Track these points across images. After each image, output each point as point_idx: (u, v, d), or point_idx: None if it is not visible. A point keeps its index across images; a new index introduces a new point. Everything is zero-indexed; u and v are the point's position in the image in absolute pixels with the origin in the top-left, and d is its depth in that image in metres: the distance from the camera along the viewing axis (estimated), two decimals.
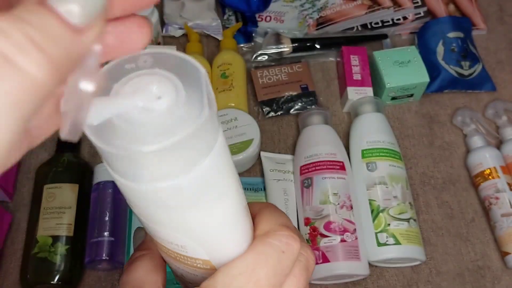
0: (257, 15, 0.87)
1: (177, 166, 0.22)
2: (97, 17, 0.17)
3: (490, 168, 0.71)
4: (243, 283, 0.25)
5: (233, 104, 0.75)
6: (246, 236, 0.28)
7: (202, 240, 0.26)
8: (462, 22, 0.85)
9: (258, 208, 0.29)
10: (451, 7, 0.90)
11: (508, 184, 0.70)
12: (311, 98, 0.79)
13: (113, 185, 0.66)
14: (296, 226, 0.68)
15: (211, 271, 0.27)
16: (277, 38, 0.83)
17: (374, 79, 0.79)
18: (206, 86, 0.21)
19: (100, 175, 0.68)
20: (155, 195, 0.22)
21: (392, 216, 0.65)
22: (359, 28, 0.87)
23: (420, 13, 0.88)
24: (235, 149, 0.71)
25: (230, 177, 0.25)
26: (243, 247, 0.27)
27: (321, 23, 0.86)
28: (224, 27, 0.86)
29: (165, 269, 0.31)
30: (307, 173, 0.68)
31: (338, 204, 0.65)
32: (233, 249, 0.27)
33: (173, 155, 0.21)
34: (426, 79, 0.77)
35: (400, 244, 0.64)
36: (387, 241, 0.64)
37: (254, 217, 0.29)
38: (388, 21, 0.88)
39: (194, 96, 0.21)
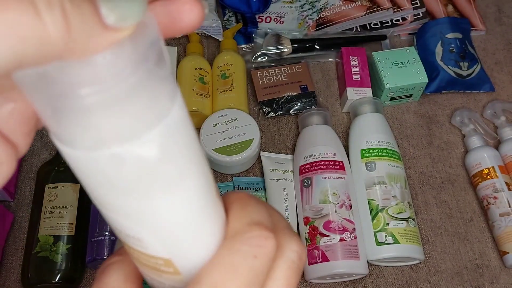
0: (257, 16, 0.88)
1: (120, 130, 0.18)
2: (131, 24, 0.17)
3: (488, 168, 0.72)
4: None
5: (233, 105, 0.76)
6: (216, 233, 0.24)
7: (159, 232, 0.22)
8: (461, 23, 0.86)
9: (230, 201, 0.25)
10: (450, 8, 0.90)
11: (506, 183, 0.70)
12: (310, 99, 0.79)
13: None
14: (296, 226, 0.68)
15: (176, 277, 0.24)
16: (277, 39, 0.83)
17: (373, 80, 0.80)
18: (155, 34, 0.19)
19: None
20: (96, 166, 0.19)
21: (391, 216, 0.66)
22: (359, 29, 0.88)
23: (419, 14, 0.88)
24: (235, 149, 0.71)
25: (193, 156, 0.21)
26: (212, 247, 0.24)
27: (321, 24, 0.87)
28: (224, 28, 0.87)
29: (141, 279, 0.27)
30: (307, 173, 0.69)
31: (338, 203, 0.66)
32: (199, 248, 0.23)
33: (115, 112, 0.18)
34: (425, 79, 0.78)
35: (399, 243, 0.65)
36: (386, 240, 0.65)
37: (226, 211, 0.25)
38: (387, 22, 0.88)
39: (142, 47, 0.18)
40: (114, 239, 0.64)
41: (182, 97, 0.20)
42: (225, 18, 0.88)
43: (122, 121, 0.18)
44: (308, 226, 0.66)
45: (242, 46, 0.86)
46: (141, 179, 0.20)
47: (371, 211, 0.67)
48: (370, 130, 0.72)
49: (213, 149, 0.71)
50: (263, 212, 0.25)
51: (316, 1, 0.88)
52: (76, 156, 0.19)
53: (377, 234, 0.65)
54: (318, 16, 0.87)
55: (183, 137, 0.21)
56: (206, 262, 0.23)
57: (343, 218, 0.65)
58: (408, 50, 0.80)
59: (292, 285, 0.24)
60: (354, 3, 0.88)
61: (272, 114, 0.79)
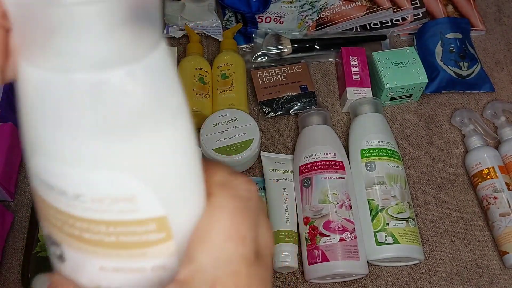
0: (257, 16, 0.88)
1: (106, 54, 0.17)
2: None
3: (488, 168, 0.72)
4: (233, 249, 0.22)
5: (233, 105, 0.76)
6: (202, 185, 0.23)
7: (156, 180, 0.20)
8: (461, 23, 0.86)
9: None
10: (450, 8, 0.90)
11: (506, 184, 0.70)
12: (310, 99, 0.79)
13: None
14: (296, 226, 0.68)
15: (166, 245, 0.21)
16: (277, 39, 0.83)
17: (373, 80, 0.80)
18: None
19: None
20: (87, 96, 0.17)
21: (391, 216, 0.66)
22: (358, 29, 0.88)
23: (418, 14, 0.88)
24: (235, 149, 0.71)
25: (180, 99, 0.21)
26: (202, 199, 0.23)
27: (321, 24, 0.87)
28: (224, 28, 0.87)
29: None
30: (307, 173, 0.69)
31: (337, 203, 0.66)
32: (193, 200, 0.22)
33: (99, 32, 0.17)
34: (425, 79, 0.78)
35: (398, 243, 0.65)
36: (386, 240, 0.65)
37: None
38: (387, 22, 0.88)
39: None
40: None
41: (167, 46, 0.20)
42: (225, 18, 0.88)
43: (107, 44, 0.17)
44: (308, 226, 0.66)
45: (242, 46, 0.86)
46: (134, 114, 0.18)
47: (371, 211, 0.67)
48: (370, 130, 0.72)
49: (213, 149, 0.71)
50: (226, 165, 0.26)
51: (316, 1, 0.89)
52: (48, 82, 0.17)
53: (377, 234, 0.65)
54: (318, 16, 0.87)
55: (169, 77, 0.20)
56: (200, 215, 0.23)
57: (343, 218, 0.65)
58: (408, 50, 0.80)
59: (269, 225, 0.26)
60: (354, 3, 0.88)
61: (272, 114, 0.79)
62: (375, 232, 0.65)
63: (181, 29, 0.85)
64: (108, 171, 0.19)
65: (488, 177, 0.71)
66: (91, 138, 0.18)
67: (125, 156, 0.19)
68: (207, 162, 0.25)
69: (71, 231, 0.20)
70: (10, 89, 0.70)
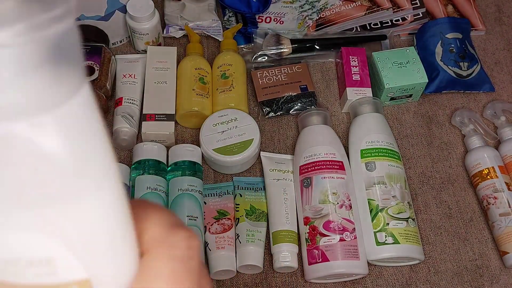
0: (257, 16, 0.88)
1: (10, 103, 0.15)
2: None
3: (488, 168, 0.72)
4: None
5: (233, 105, 0.76)
6: (134, 245, 0.21)
7: (77, 242, 0.18)
8: (461, 23, 0.86)
9: (134, 208, 0.22)
10: (450, 8, 0.90)
11: (506, 184, 0.70)
12: (310, 99, 0.79)
13: None
14: (296, 225, 0.68)
15: None
16: (277, 39, 0.83)
17: (373, 80, 0.80)
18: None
19: None
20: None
21: (391, 216, 0.66)
22: (358, 29, 0.88)
23: (418, 14, 0.88)
24: (235, 149, 0.71)
25: (107, 154, 0.19)
26: (132, 260, 0.21)
27: (321, 24, 0.87)
28: (224, 28, 0.87)
29: None
30: (307, 173, 0.69)
31: (337, 203, 0.66)
32: (121, 262, 0.20)
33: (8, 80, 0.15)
34: (425, 79, 0.78)
35: (398, 243, 0.65)
36: (386, 240, 0.65)
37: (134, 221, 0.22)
38: (387, 22, 0.88)
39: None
40: None
41: (91, 92, 0.18)
42: (225, 18, 0.88)
43: (12, 92, 0.15)
44: (308, 226, 0.66)
45: (242, 46, 0.86)
46: (45, 173, 0.16)
47: (371, 211, 0.67)
48: (370, 130, 0.72)
49: (213, 149, 0.71)
50: (168, 212, 0.23)
51: (316, 1, 0.88)
52: None
53: (377, 234, 0.65)
54: (318, 16, 0.87)
55: (92, 128, 0.18)
56: (130, 276, 0.20)
57: (343, 218, 0.65)
58: (408, 50, 0.80)
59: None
60: (354, 3, 0.88)
61: (272, 114, 0.79)
62: (375, 232, 0.65)
63: (181, 29, 0.85)
64: (21, 232, 0.17)
65: (488, 177, 0.71)
66: (11, 200, 0.16)
67: (39, 217, 0.17)
68: (147, 208, 0.22)
69: None
70: None
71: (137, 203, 0.22)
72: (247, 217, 0.68)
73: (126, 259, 0.20)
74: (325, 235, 0.64)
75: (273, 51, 0.83)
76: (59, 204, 0.17)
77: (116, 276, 0.20)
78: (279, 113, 0.79)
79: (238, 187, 0.72)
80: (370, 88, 0.78)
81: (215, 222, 0.68)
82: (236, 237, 0.67)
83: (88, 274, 0.19)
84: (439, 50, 0.83)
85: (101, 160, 0.18)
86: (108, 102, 0.78)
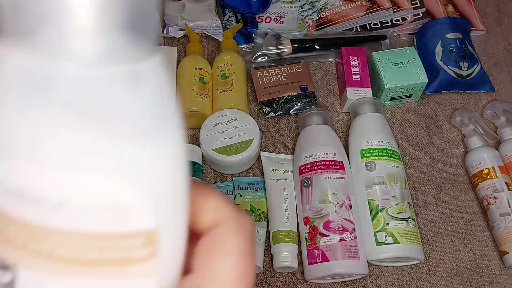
0: (257, 16, 0.88)
1: (107, 48, 0.17)
2: None
3: (488, 168, 0.72)
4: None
5: (233, 105, 0.75)
6: (187, 207, 0.21)
7: (152, 190, 0.18)
8: (461, 23, 0.86)
9: (195, 183, 0.22)
10: (450, 8, 0.90)
11: (506, 184, 0.70)
12: (310, 99, 0.79)
13: None
14: (296, 225, 0.68)
15: (147, 264, 0.19)
16: (277, 39, 0.83)
17: (373, 80, 0.80)
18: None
19: None
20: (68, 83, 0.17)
21: (391, 216, 0.66)
22: (358, 29, 0.88)
23: (418, 14, 0.88)
24: (235, 149, 0.71)
25: (179, 112, 0.20)
26: (184, 222, 0.21)
27: (321, 24, 0.87)
28: (224, 28, 0.87)
29: None
30: (307, 173, 0.69)
31: (337, 203, 0.66)
32: (179, 219, 0.20)
33: None
34: (425, 79, 0.78)
35: (398, 243, 0.65)
36: (386, 240, 0.65)
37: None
38: (387, 22, 0.88)
39: None
40: None
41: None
42: (225, 18, 0.88)
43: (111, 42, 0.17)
44: (308, 226, 0.66)
45: (242, 46, 0.86)
46: (136, 115, 0.17)
47: (371, 211, 0.67)
48: (370, 130, 0.72)
49: (213, 149, 0.71)
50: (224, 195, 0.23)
51: (316, 1, 0.89)
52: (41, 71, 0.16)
53: (377, 234, 0.65)
54: (318, 16, 0.87)
55: (169, 87, 0.19)
56: (182, 237, 0.20)
57: (343, 218, 0.65)
58: (408, 50, 0.80)
59: None
60: (354, 3, 0.88)
61: (272, 114, 0.79)
62: (375, 232, 0.65)
63: (181, 29, 0.85)
64: (103, 175, 0.17)
65: (488, 177, 0.71)
66: (87, 136, 0.16)
67: (123, 159, 0.17)
68: (208, 186, 0.22)
69: (39, 247, 0.17)
70: None
71: (196, 181, 0.23)
72: None
73: (183, 216, 0.20)
74: (325, 235, 0.64)
75: (273, 51, 0.83)
76: (144, 144, 0.17)
77: (175, 231, 0.20)
78: (279, 113, 0.79)
79: (238, 187, 0.72)
80: (370, 88, 0.78)
81: None
82: None
83: (156, 225, 0.19)
84: (439, 50, 0.83)
85: (175, 111, 0.19)
86: None
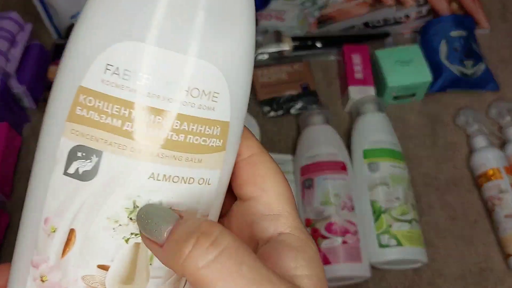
0: (257, 14, 0.87)
1: None
2: None
3: (493, 169, 0.71)
4: None
5: None
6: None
7: (235, 84, 0.20)
8: (465, 21, 0.84)
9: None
10: (454, 5, 0.89)
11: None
12: (312, 98, 0.78)
13: None
14: None
15: (218, 156, 0.20)
16: (278, 37, 0.83)
17: (376, 78, 0.78)
18: None
19: None
20: None
21: (394, 217, 0.65)
22: (361, 27, 0.87)
23: (422, 12, 0.87)
24: None
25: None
26: (241, 128, 0.23)
27: (322, 21, 0.86)
28: None
29: None
30: (308, 174, 0.67)
31: (339, 205, 0.65)
32: (242, 118, 0.22)
33: None
34: (429, 78, 0.77)
35: (402, 245, 0.64)
36: (389, 242, 0.64)
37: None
38: (390, 20, 0.87)
39: None
40: None
41: None
42: None
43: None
44: (309, 228, 0.65)
45: None
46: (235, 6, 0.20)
47: (373, 212, 0.65)
48: (373, 130, 0.71)
49: None
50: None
51: None
52: None
53: (380, 236, 0.64)
54: (319, 13, 0.86)
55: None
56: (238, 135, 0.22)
57: (345, 220, 0.64)
58: (411, 48, 0.79)
59: None
60: (356, 1, 0.87)
61: (272, 113, 0.78)
62: (378, 234, 0.64)
63: None
64: (207, 62, 0.19)
65: (493, 177, 0.70)
66: (197, 26, 0.19)
67: (221, 50, 0.19)
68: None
69: (130, 128, 0.18)
70: (6, 89, 0.69)
71: None
72: None
73: (243, 122, 0.22)
74: (326, 237, 0.63)
75: (273, 49, 0.82)
76: (235, 36, 0.20)
77: (238, 128, 0.21)
78: (279, 113, 0.78)
79: None
80: (373, 87, 0.77)
81: None
82: None
83: (231, 117, 0.20)
84: (443, 48, 0.81)
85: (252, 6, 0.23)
86: None
